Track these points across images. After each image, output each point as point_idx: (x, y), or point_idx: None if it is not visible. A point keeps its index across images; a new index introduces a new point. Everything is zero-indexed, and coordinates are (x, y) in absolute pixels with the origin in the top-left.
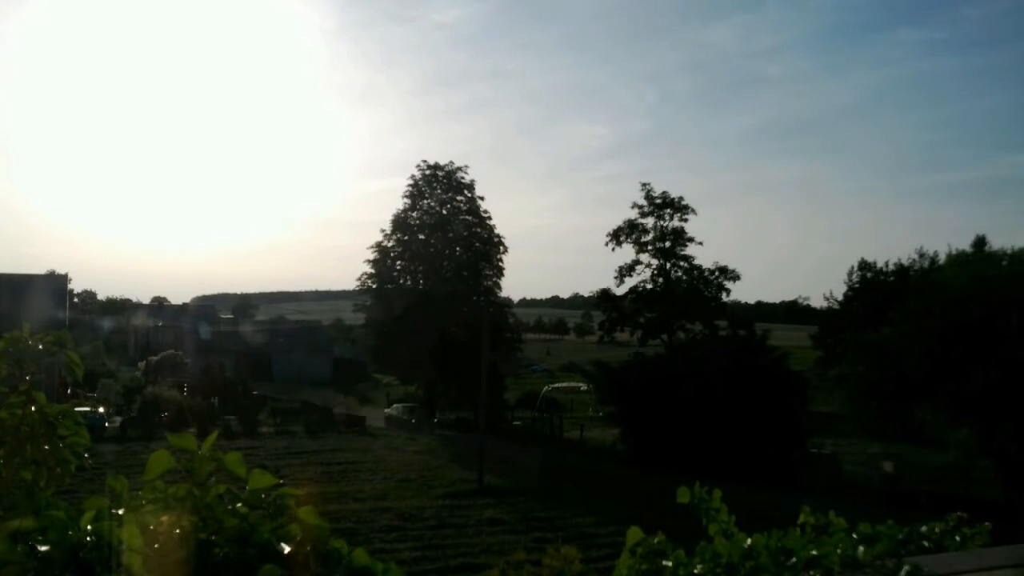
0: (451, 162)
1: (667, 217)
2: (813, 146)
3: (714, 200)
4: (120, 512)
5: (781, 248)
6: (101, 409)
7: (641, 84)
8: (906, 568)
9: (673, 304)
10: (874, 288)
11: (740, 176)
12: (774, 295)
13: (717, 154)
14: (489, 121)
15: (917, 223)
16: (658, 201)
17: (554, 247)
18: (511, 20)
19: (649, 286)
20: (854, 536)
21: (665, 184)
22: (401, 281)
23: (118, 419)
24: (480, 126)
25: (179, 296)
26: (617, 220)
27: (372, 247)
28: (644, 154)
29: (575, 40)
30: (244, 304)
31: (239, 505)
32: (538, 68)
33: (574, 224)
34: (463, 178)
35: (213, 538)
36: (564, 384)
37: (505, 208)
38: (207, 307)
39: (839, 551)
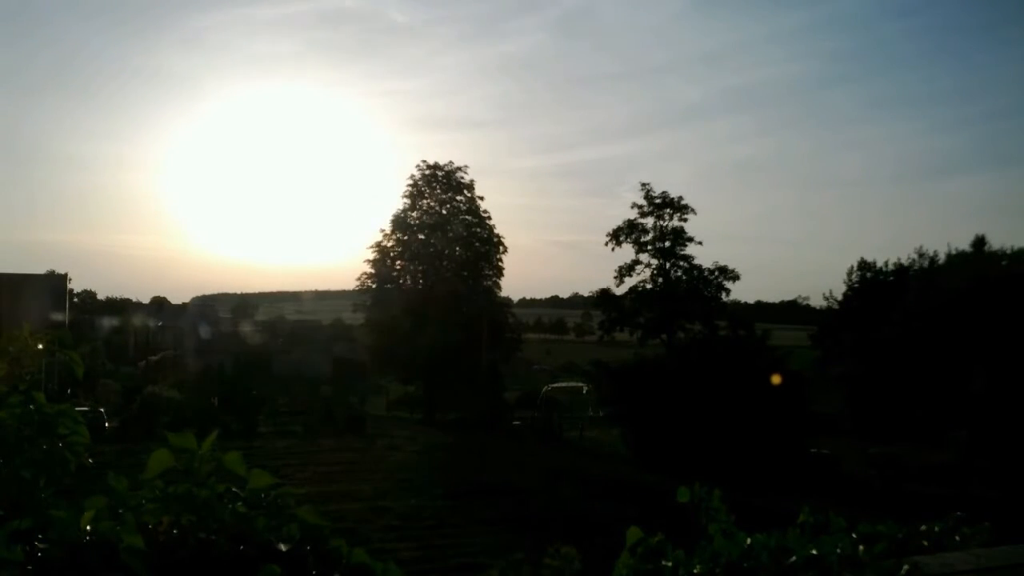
0: (451, 162)
1: (667, 217)
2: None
3: (713, 198)
4: (120, 512)
5: (781, 247)
6: (101, 409)
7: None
8: (906, 568)
9: (673, 304)
10: (874, 288)
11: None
12: (774, 295)
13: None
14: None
15: (917, 223)
16: (657, 201)
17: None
18: None
19: (649, 286)
20: (854, 536)
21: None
22: (401, 281)
23: (117, 419)
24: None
25: (179, 296)
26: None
27: (372, 247)
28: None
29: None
30: (244, 304)
31: (239, 504)
32: None
33: None
34: (463, 178)
35: (212, 537)
36: (564, 384)
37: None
38: (207, 307)
39: (839, 550)
